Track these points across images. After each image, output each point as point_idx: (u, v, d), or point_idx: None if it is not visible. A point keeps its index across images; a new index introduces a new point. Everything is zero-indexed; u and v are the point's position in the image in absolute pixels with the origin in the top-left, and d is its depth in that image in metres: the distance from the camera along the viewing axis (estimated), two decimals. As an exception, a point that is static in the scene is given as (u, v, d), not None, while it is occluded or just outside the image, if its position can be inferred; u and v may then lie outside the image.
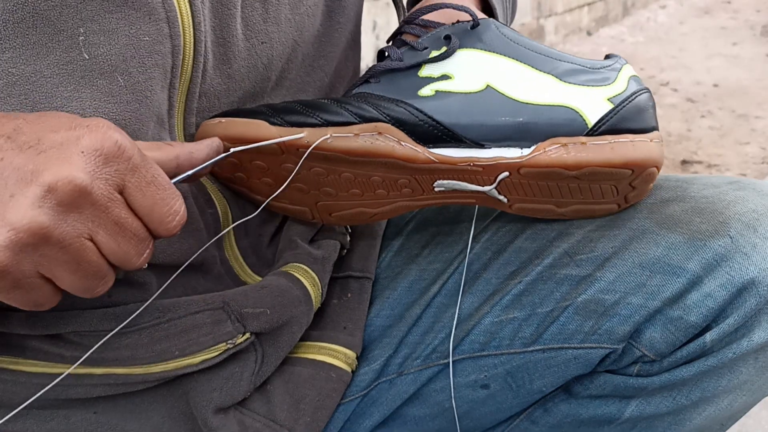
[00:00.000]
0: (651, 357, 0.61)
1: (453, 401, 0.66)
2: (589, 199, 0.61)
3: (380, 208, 0.63)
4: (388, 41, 0.65)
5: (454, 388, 0.66)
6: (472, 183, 0.60)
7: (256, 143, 0.56)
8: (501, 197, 0.61)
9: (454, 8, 0.63)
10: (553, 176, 0.58)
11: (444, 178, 0.60)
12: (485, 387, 0.66)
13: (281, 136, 0.57)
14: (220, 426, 0.58)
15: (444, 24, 0.62)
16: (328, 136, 0.56)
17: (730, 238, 0.58)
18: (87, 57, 0.49)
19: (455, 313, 0.66)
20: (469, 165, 0.58)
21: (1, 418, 0.56)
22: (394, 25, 2.51)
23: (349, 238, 0.70)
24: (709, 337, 0.58)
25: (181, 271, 0.56)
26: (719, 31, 3.75)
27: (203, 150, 0.53)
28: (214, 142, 0.54)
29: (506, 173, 0.58)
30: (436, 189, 0.61)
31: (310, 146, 0.56)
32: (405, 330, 0.67)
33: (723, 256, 0.58)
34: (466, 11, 0.61)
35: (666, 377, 0.61)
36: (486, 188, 0.60)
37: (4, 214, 0.40)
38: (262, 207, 0.60)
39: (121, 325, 0.53)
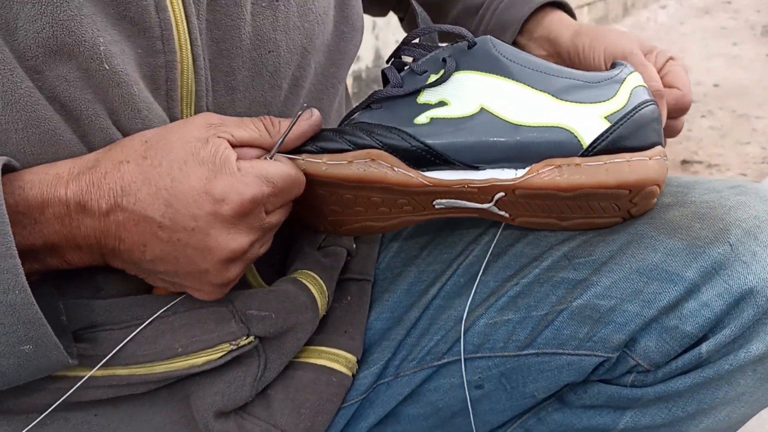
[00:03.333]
0: (645, 367, 0.60)
1: (468, 399, 0.66)
2: (590, 214, 0.60)
3: (386, 222, 0.64)
4: (387, 61, 0.65)
5: (447, 388, 0.66)
6: (470, 201, 0.60)
7: None
8: (502, 213, 0.61)
9: (449, 32, 0.63)
10: (548, 197, 0.58)
11: (442, 198, 0.60)
12: (479, 387, 0.66)
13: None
14: (221, 430, 0.58)
15: (441, 46, 0.61)
16: (301, 159, 0.58)
17: (730, 245, 0.57)
18: (107, 68, 0.51)
19: (455, 313, 0.66)
20: (464, 187, 0.58)
21: (5, 421, 0.55)
22: (394, 25, 2.51)
23: (354, 245, 0.70)
24: (705, 347, 0.58)
25: None
26: (719, 31, 3.74)
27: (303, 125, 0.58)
28: (313, 116, 0.58)
29: (502, 193, 0.58)
30: (436, 207, 0.61)
31: (304, 170, 0.58)
32: (403, 333, 0.67)
33: (722, 264, 0.57)
34: (461, 33, 0.61)
35: (661, 388, 0.60)
36: (485, 206, 0.60)
37: (210, 281, 0.54)
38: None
39: (148, 321, 0.56)
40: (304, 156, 0.57)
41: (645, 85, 0.60)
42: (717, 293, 0.57)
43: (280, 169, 0.54)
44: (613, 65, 0.63)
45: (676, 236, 0.59)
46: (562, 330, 0.62)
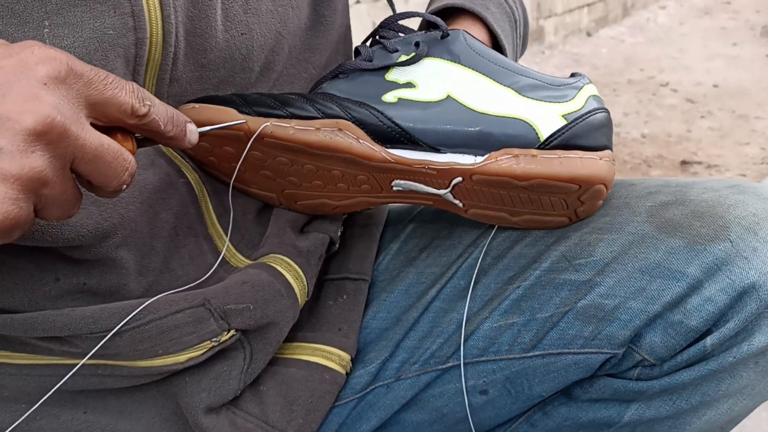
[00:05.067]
0: (651, 361, 0.61)
1: (467, 406, 0.66)
2: (540, 210, 0.63)
3: (342, 201, 0.65)
4: (364, 41, 0.67)
5: (452, 393, 0.66)
6: (427, 185, 0.62)
7: (208, 127, 0.57)
8: (456, 201, 0.63)
9: (427, 19, 0.65)
10: (503, 185, 0.60)
11: (401, 179, 0.62)
12: (484, 393, 0.65)
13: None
14: (212, 426, 0.58)
15: (416, 31, 0.64)
16: (268, 123, 0.59)
17: (731, 242, 0.58)
18: None
19: (457, 316, 0.65)
20: (424, 167, 0.60)
21: (5, 411, 0.56)
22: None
23: (340, 233, 0.70)
24: (709, 341, 0.58)
25: (159, 245, 0.57)
26: (719, 31, 3.75)
27: (179, 119, 0.51)
28: (191, 127, 0.52)
29: (459, 178, 0.60)
30: (394, 188, 0.63)
31: (262, 133, 0.59)
32: (402, 333, 0.67)
33: (723, 261, 0.58)
34: (437, 23, 0.63)
35: (666, 381, 0.61)
36: (441, 191, 0.62)
37: (3, 167, 0.40)
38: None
39: (115, 329, 0.54)
40: (271, 121, 0.59)
41: (599, 95, 0.64)
42: (720, 288, 0.58)
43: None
44: (572, 75, 0.66)
45: (677, 235, 0.60)
46: (567, 330, 0.62)
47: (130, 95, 0.46)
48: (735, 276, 0.57)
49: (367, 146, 0.60)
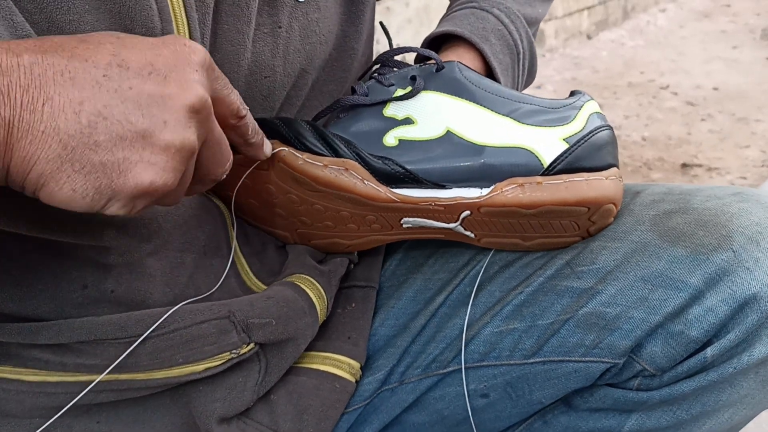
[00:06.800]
0: (651, 371, 0.61)
1: (469, 409, 0.66)
2: (551, 233, 0.63)
3: (354, 240, 0.66)
4: (359, 79, 0.68)
5: (453, 396, 0.66)
6: (437, 221, 0.62)
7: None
8: (468, 233, 0.63)
9: (421, 54, 0.65)
10: (512, 215, 0.60)
11: (409, 216, 0.62)
12: (485, 396, 0.66)
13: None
14: None
15: (411, 65, 0.64)
16: (284, 149, 0.60)
17: (733, 252, 0.58)
18: None
19: (460, 322, 0.66)
20: (431, 204, 0.60)
21: (3, 428, 0.56)
22: (393, 30, 2.51)
23: (356, 252, 0.70)
24: (710, 352, 0.58)
25: (187, 260, 0.58)
26: (719, 34, 3.75)
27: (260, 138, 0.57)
28: (267, 140, 0.57)
29: (468, 212, 0.60)
30: (404, 225, 0.63)
31: (278, 154, 0.60)
32: (409, 340, 0.67)
33: (725, 271, 0.58)
34: (432, 56, 0.64)
35: (666, 391, 0.61)
36: (451, 225, 0.62)
37: (167, 138, 0.43)
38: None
39: (146, 333, 0.55)
40: (287, 148, 0.60)
41: (601, 111, 0.63)
42: (721, 299, 0.58)
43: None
44: (572, 94, 0.65)
45: (680, 244, 0.60)
46: (568, 338, 0.62)
47: (237, 97, 0.51)
48: (737, 287, 0.57)
49: (372, 187, 0.60)
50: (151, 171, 0.43)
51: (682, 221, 0.61)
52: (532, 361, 0.63)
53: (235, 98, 0.50)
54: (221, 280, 0.61)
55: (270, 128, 0.61)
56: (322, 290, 0.64)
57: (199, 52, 0.46)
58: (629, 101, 2.85)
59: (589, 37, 3.76)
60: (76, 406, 0.57)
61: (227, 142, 0.50)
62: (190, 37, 0.54)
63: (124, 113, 0.42)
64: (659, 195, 0.65)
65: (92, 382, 0.56)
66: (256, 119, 0.60)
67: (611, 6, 3.93)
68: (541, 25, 3.41)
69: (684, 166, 2.27)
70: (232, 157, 0.51)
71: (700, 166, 2.27)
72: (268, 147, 0.57)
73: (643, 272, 0.60)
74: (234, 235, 0.63)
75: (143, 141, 0.43)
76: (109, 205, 0.43)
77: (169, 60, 0.44)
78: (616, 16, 3.98)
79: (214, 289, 0.60)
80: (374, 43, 0.75)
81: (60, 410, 0.55)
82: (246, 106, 0.52)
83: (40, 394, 0.55)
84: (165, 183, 0.44)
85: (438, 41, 0.74)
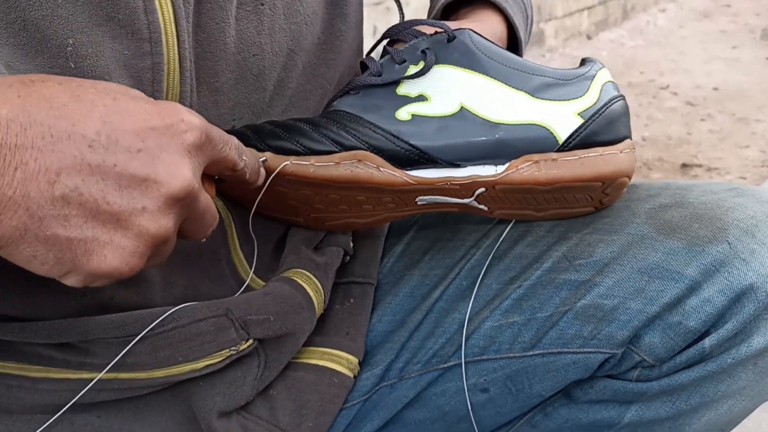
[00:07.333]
0: (650, 362, 0.61)
1: (469, 403, 0.66)
2: (565, 205, 0.63)
3: (368, 219, 0.65)
4: (368, 53, 0.66)
5: (454, 392, 0.67)
6: (452, 197, 0.62)
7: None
8: (482, 206, 0.63)
9: (430, 25, 0.63)
10: (527, 191, 0.60)
11: (425, 195, 0.62)
12: (485, 391, 0.66)
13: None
14: (224, 430, 0.58)
15: (423, 35, 0.63)
16: (288, 162, 0.59)
17: (729, 244, 0.59)
18: (73, 66, 0.50)
19: (459, 316, 0.66)
20: (447, 184, 0.60)
21: (4, 424, 0.56)
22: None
23: (352, 244, 0.71)
24: (708, 342, 0.59)
25: (185, 265, 0.58)
26: (719, 34, 3.76)
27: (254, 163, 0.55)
28: (261, 171, 0.56)
29: (483, 189, 0.60)
30: (419, 203, 0.63)
31: (282, 171, 0.59)
32: (407, 335, 0.67)
33: (721, 262, 0.58)
34: (441, 26, 0.62)
35: (665, 382, 0.61)
36: (466, 200, 0.62)
37: (142, 224, 0.42)
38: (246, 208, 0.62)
39: (145, 331, 0.55)
40: (291, 159, 0.58)
41: (613, 80, 0.63)
42: (718, 289, 0.58)
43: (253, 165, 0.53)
44: (583, 62, 0.65)
45: (676, 236, 0.60)
46: (566, 330, 0.62)
47: (234, 151, 0.50)
48: (733, 277, 0.58)
49: (388, 173, 0.59)
50: (117, 255, 0.41)
51: (677, 215, 0.62)
52: (531, 353, 0.64)
53: (232, 153, 0.49)
54: (239, 293, 0.61)
55: (268, 137, 0.59)
56: (318, 284, 0.64)
57: (194, 131, 0.45)
58: (629, 101, 2.84)
59: (589, 37, 3.76)
60: (77, 403, 0.57)
61: (213, 210, 0.49)
62: (174, 15, 0.53)
63: (103, 192, 0.40)
64: (656, 189, 0.65)
65: (94, 379, 0.56)
66: (250, 128, 0.60)
67: (611, 6, 3.94)
68: (542, 25, 3.42)
69: (684, 166, 2.28)
70: (215, 221, 0.50)
71: (699, 166, 2.28)
72: (261, 178, 0.56)
73: (639, 264, 0.61)
74: (234, 234, 0.63)
75: (116, 223, 0.41)
76: (68, 277, 0.42)
77: (161, 138, 0.43)
78: (615, 16, 3.99)
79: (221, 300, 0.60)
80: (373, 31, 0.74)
81: (62, 408, 0.55)
82: (245, 154, 0.51)
83: (42, 391, 0.56)
84: (131, 269, 0.43)
85: (456, 4, 0.72)
